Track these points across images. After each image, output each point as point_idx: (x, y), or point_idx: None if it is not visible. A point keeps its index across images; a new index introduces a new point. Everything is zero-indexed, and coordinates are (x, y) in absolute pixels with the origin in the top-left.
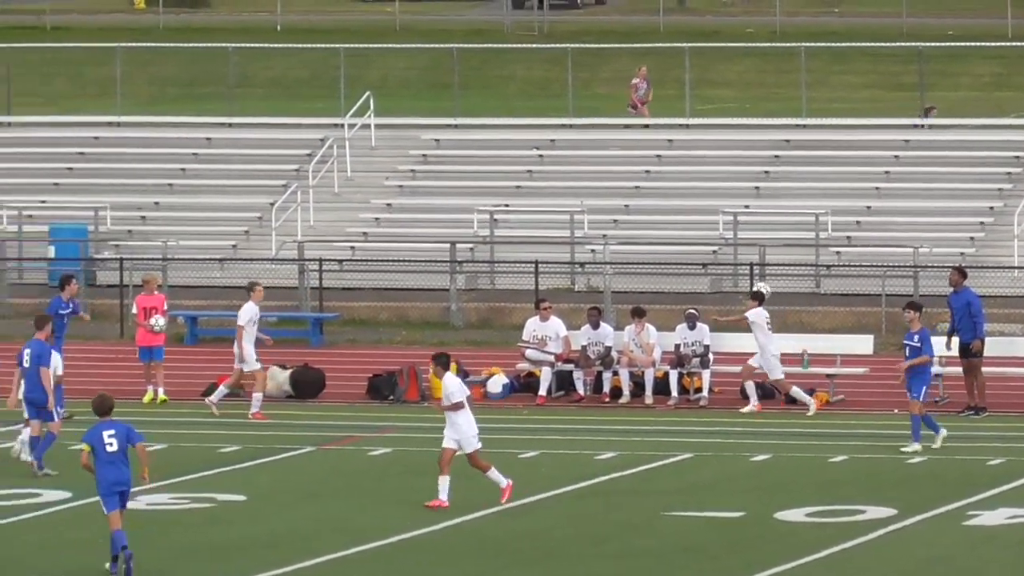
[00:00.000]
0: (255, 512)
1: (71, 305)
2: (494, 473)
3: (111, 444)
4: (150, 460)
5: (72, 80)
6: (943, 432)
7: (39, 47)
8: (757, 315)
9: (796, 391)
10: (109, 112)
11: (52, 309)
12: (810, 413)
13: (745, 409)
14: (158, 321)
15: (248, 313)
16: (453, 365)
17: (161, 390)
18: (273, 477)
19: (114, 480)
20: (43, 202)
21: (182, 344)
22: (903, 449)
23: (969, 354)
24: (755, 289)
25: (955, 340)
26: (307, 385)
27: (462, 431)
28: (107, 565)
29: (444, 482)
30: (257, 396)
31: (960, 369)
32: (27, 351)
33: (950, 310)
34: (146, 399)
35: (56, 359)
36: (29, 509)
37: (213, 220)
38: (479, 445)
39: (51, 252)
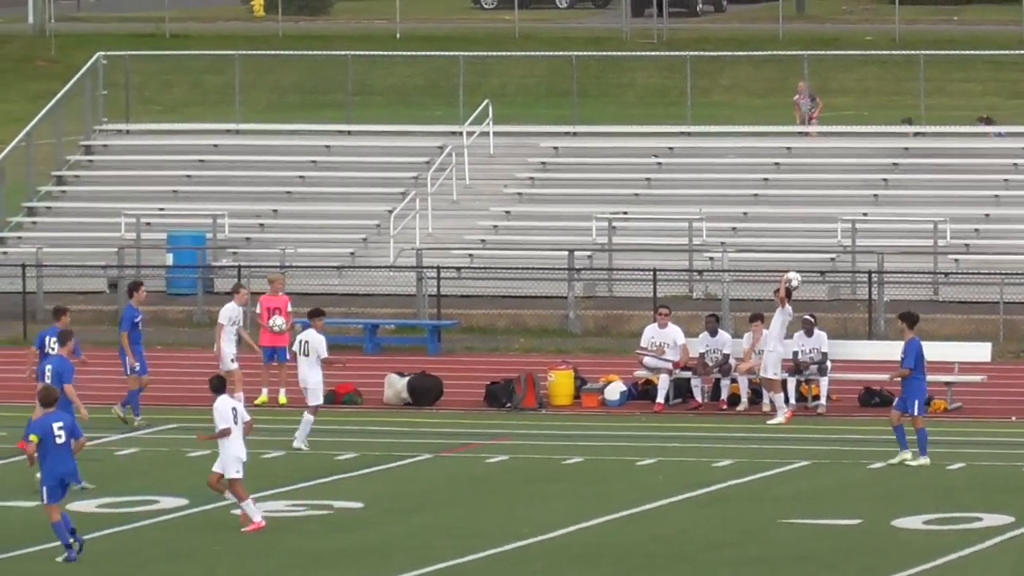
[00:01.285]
0: (372, 519)
1: (140, 312)
2: (248, 505)
3: (60, 436)
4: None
5: (191, 88)
6: (906, 454)
7: (159, 55)
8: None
9: (777, 398)
10: (228, 120)
11: (127, 318)
12: (773, 422)
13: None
14: (275, 321)
15: (227, 313)
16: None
17: (283, 391)
18: (390, 484)
19: (62, 471)
20: (162, 210)
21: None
22: (909, 462)
23: None
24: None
25: None
26: (424, 392)
27: (226, 456)
28: (58, 558)
29: (248, 506)
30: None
31: None
32: (48, 366)
33: None
34: (259, 401)
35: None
36: (147, 516)
37: (331, 228)
38: (239, 475)
39: (169, 260)
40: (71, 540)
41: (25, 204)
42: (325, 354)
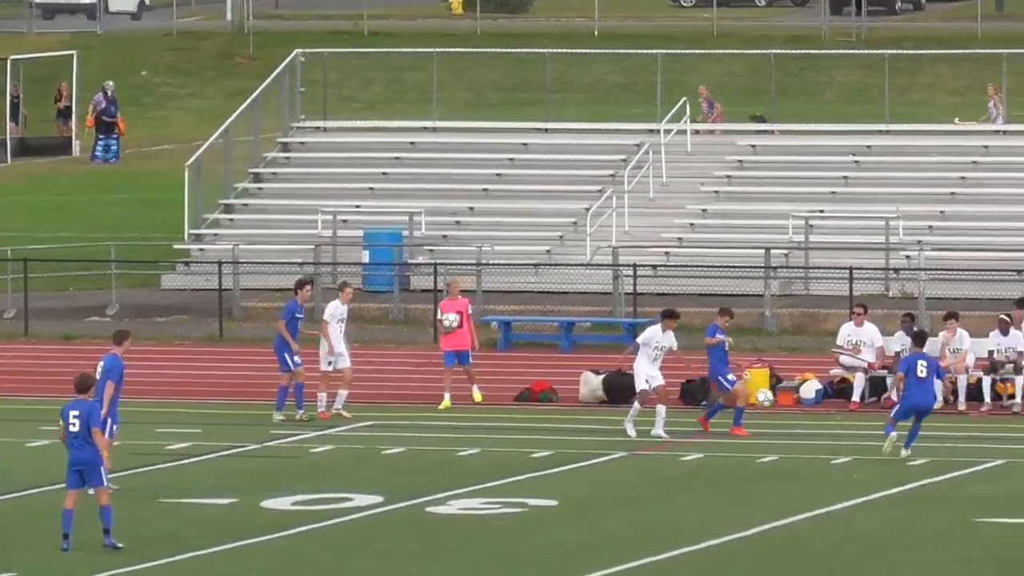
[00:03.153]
0: (566, 517)
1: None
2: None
3: (74, 424)
4: (108, 446)
5: (389, 85)
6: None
7: (357, 52)
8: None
9: None
10: (425, 117)
11: (288, 313)
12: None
13: None
14: (448, 317)
15: (331, 310)
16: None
17: (475, 387)
18: (584, 483)
19: (74, 459)
20: (358, 207)
21: (495, 349)
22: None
23: None
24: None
25: None
26: (620, 390)
27: None
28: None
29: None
30: (342, 393)
31: None
32: (100, 363)
33: None
34: (442, 406)
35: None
36: (341, 513)
37: (528, 225)
38: None
39: (365, 257)
40: (67, 532)
41: (222, 201)
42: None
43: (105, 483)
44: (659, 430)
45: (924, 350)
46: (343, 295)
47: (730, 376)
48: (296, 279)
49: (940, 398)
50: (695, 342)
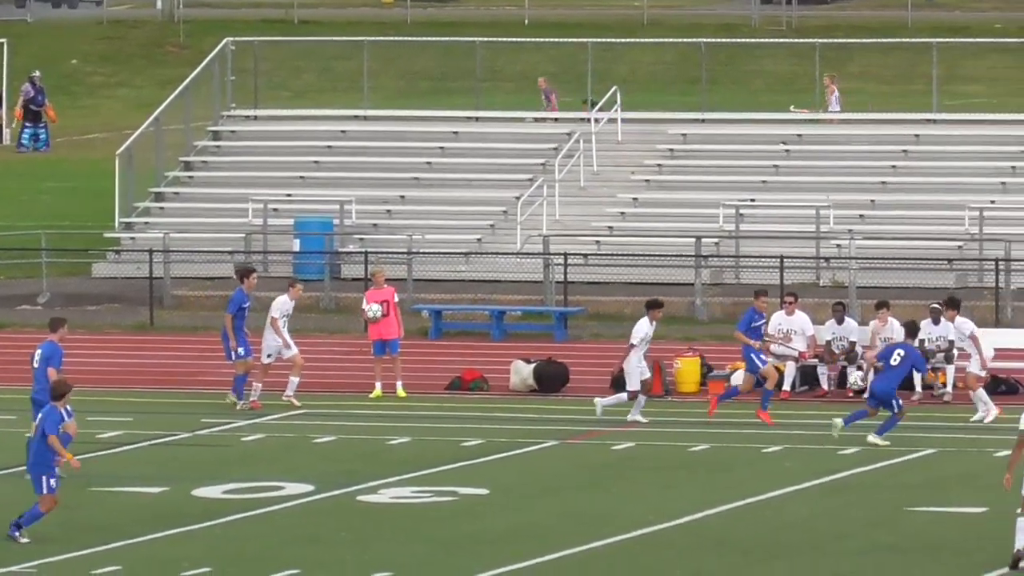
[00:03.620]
0: (497, 506)
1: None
2: None
3: (34, 428)
4: (65, 449)
5: (320, 74)
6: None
7: (287, 41)
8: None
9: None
10: (356, 106)
11: (235, 301)
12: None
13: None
14: (371, 308)
15: (279, 306)
16: (696, 359)
17: (400, 384)
18: (516, 471)
19: (30, 462)
20: (289, 196)
21: (426, 338)
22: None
23: None
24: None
25: None
26: (551, 379)
27: None
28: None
29: None
30: (294, 380)
31: None
32: (38, 352)
33: None
34: (373, 395)
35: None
36: (273, 502)
37: (458, 214)
38: None
39: (296, 246)
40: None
41: (153, 189)
42: (633, 341)
43: (45, 491)
44: (636, 415)
45: (912, 341)
46: (292, 291)
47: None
48: (241, 267)
49: (919, 388)
50: (625, 331)
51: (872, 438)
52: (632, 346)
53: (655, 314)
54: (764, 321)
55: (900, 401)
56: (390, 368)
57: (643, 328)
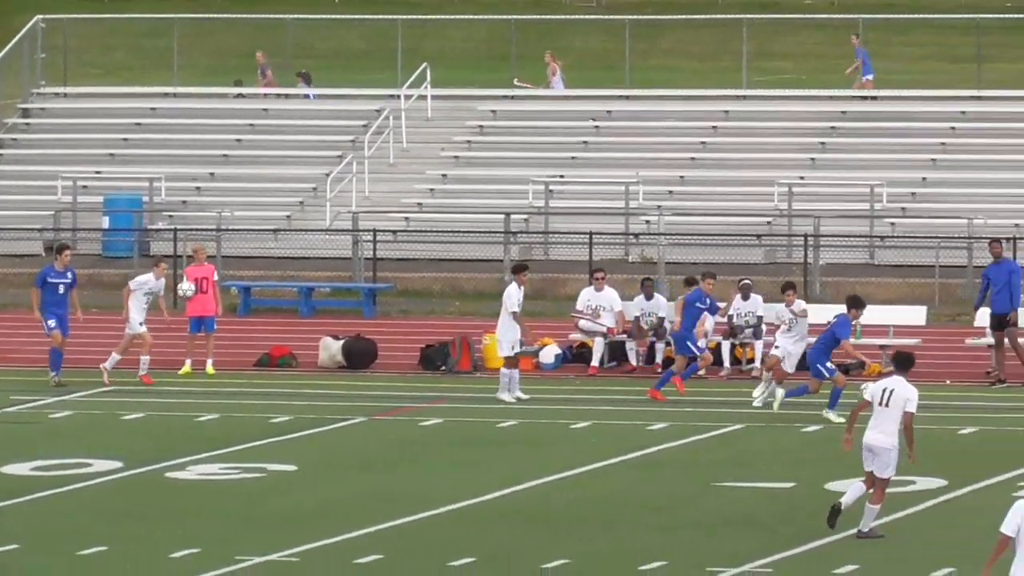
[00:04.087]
0: (306, 482)
1: (70, 274)
2: None
3: None
4: None
5: (130, 51)
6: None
7: (97, 18)
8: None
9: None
10: (166, 83)
11: (40, 279)
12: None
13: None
14: (185, 286)
15: (142, 280)
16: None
17: (210, 362)
18: (324, 447)
19: None
20: (98, 173)
21: (236, 315)
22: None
23: (1007, 325)
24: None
25: (984, 311)
26: (359, 356)
27: None
28: None
29: None
30: (144, 359)
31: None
32: None
33: (985, 281)
34: (182, 371)
35: None
36: (82, 479)
37: (268, 191)
38: None
39: (105, 223)
40: None
41: None
42: (514, 308)
43: None
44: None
45: (855, 313)
46: (158, 270)
47: (828, 364)
48: (56, 243)
49: (727, 364)
50: (433, 307)
51: (826, 414)
52: (514, 313)
53: (521, 278)
54: (707, 305)
55: (829, 367)
56: (202, 345)
57: (515, 294)
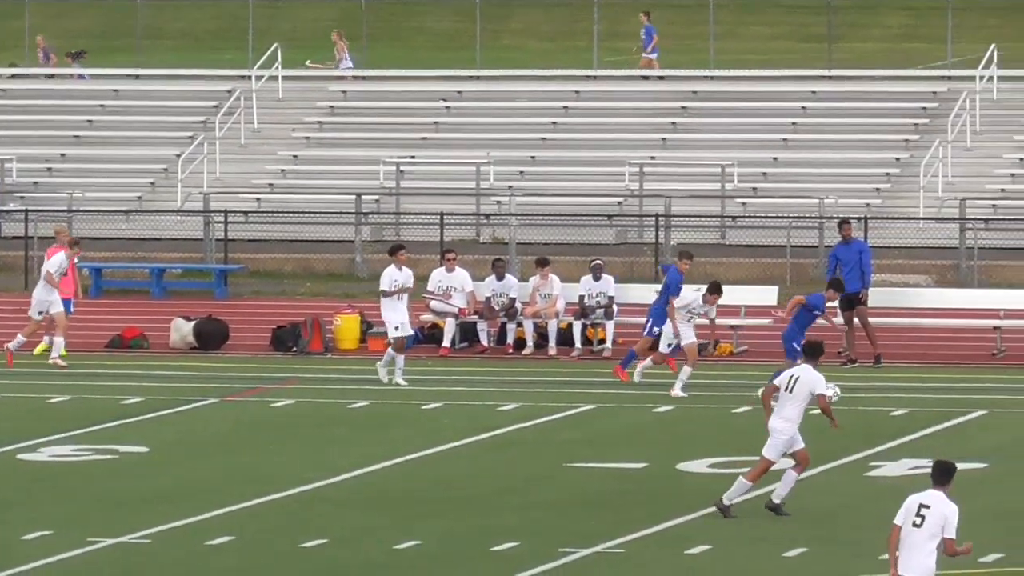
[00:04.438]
0: (158, 464)
1: None
2: None
3: None
4: None
5: None
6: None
7: None
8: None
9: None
10: (18, 64)
11: None
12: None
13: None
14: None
15: (57, 262)
16: (356, 316)
17: (47, 339)
18: (176, 429)
19: None
20: None
21: (86, 296)
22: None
23: (858, 303)
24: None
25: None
26: (211, 337)
27: None
28: None
29: None
30: (58, 340)
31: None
32: None
33: (833, 261)
34: (37, 351)
35: None
36: None
37: (119, 172)
38: None
39: None
40: None
41: None
42: (383, 287)
43: None
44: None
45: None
46: (76, 250)
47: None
48: None
49: (578, 344)
50: (285, 288)
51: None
52: (383, 292)
53: (400, 258)
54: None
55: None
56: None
57: (389, 274)
